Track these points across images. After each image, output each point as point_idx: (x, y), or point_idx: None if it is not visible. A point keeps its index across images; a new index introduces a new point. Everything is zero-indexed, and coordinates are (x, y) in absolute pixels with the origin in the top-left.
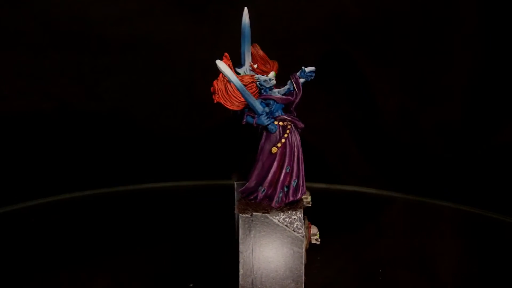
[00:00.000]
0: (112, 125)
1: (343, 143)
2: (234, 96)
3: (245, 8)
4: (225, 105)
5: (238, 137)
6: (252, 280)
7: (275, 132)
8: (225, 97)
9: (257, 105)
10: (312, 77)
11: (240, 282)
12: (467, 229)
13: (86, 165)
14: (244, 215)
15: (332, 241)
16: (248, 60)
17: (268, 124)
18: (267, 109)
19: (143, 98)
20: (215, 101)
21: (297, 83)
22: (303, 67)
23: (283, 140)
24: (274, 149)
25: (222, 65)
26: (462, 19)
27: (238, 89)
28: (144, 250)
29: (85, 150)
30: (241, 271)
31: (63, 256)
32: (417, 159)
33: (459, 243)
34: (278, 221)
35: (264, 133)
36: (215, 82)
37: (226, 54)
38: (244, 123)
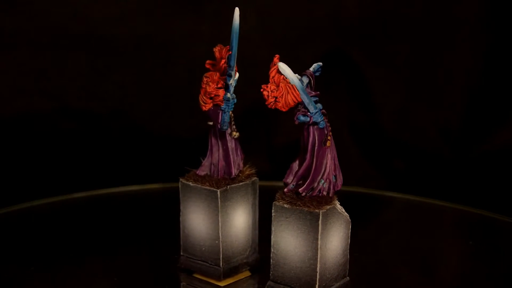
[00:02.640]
0: (112, 125)
1: (343, 143)
2: (294, 96)
3: (236, 9)
4: (281, 108)
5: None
6: (324, 271)
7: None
8: (285, 99)
9: (313, 104)
10: (320, 73)
11: (318, 277)
12: (467, 229)
13: (86, 165)
14: (323, 210)
15: None
16: (235, 62)
17: (321, 121)
18: (320, 106)
19: (143, 98)
20: (275, 107)
21: (313, 79)
22: (319, 63)
23: (330, 133)
24: (328, 143)
25: (285, 67)
26: (462, 19)
27: (299, 90)
28: (142, 251)
29: (85, 150)
30: (319, 265)
31: (62, 256)
32: (417, 159)
33: (460, 243)
34: (339, 208)
35: (312, 130)
36: (282, 86)
37: (277, 55)
38: (297, 123)
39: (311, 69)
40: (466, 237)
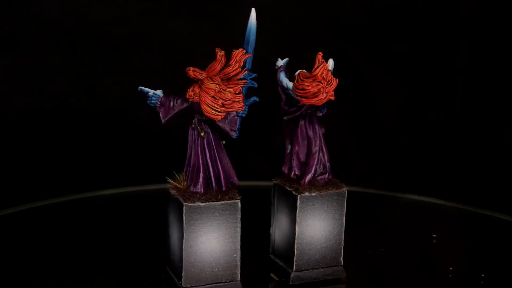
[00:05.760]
0: (112, 125)
1: (343, 143)
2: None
3: (253, 9)
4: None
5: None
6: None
7: None
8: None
9: None
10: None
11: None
12: (468, 229)
13: (86, 165)
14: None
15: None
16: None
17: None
18: None
19: (143, 98)
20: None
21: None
22: (287, 58)
23: None
24: (324, 129)
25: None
26: (462, 19)
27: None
28: (142, 253)
29: (85, 150)
30: (343, 238)
31: (63, 260)
32: (417, 159)
33: (460, 242)
34: None
35: (315, 120)
36: (336, 81)
37: (320, 52)
38: (320, 114)
39: (283, 64)
40: (466, 237)
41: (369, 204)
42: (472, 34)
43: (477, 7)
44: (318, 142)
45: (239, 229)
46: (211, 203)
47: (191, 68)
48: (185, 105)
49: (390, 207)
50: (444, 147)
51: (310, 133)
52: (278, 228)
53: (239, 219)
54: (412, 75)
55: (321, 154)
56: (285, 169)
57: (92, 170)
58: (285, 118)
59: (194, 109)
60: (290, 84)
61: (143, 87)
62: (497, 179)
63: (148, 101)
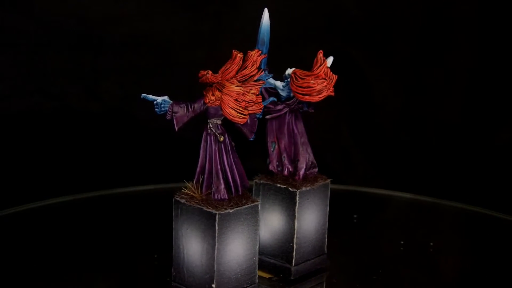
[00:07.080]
0: (112, 125)
1: (343, 143)
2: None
3: (265, 10)
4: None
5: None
6: None
7: None
8: None
9: None
10: None
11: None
12: (468, 228)
13: (86, 166)
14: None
15: (332, 240)
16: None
17: None
18: None
19: (143, 99)
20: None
21: None
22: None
23: None
24: None
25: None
26: (462, 19)
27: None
28: (142, 254)
29: (85, 150)
30: (326, 231)
31: (65, 260)
32: (417, 159)
33: (460, 241)
34: None
35: (300, 115)
36: (335, 77)
37: (321, 51)
38: (312, 111)
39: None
40: (467, 236)
41: (369, 204)
42: (472, 35)
43: (477, 7)
44: (304, 138)
45: (258, 232)
46: (237, 208)
47: (210, 72)
48: (202, 109)
49: (390, 206)
50: (444, 147)
51: (296, 129)
52: (266, 226)
53: (258, 221)
54: (412, 75)
55: (308, 149)
56: (272, 168)
57: (92, 170)
58: (268, 117)
59: (210, 113)
60: (278, 83)
61: (146, 95)
62: (497, 178)
63: (157, 109)
